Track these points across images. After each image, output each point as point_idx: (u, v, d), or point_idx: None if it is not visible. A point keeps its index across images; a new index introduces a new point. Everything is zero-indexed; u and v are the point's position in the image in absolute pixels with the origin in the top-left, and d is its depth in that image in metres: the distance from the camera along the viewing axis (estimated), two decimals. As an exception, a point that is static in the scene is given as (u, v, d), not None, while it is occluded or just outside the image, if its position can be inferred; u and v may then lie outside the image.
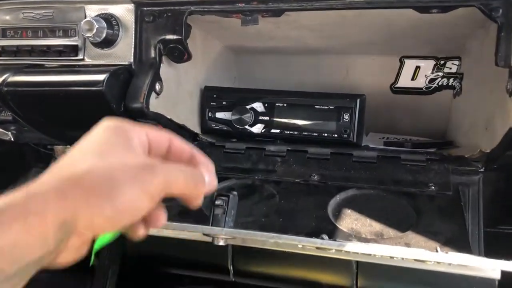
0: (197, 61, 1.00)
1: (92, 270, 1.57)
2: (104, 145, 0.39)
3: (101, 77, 0.80)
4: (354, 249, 0.64)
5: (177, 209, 0.84)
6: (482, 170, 0.86)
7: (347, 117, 0.92)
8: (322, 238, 0.68)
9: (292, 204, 0.83)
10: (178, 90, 0.94)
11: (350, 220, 0.78)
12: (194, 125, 1.00)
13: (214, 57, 1.09)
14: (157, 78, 0.86)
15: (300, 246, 0.66)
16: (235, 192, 0.75)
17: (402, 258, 0.64)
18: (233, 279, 0.80)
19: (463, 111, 1.03)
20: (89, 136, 0.40)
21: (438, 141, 1.04)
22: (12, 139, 1.10)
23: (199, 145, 1.01)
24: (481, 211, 0.82)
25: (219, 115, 0.98)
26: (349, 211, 0.80)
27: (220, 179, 0.93)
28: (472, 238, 0.80)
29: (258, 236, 0.68)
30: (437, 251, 0.64)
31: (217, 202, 0.72)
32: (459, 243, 0.70)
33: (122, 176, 0.37)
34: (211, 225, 0.72)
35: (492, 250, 0.75)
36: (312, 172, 0.92)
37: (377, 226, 0.76)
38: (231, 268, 0.79)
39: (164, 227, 0.73)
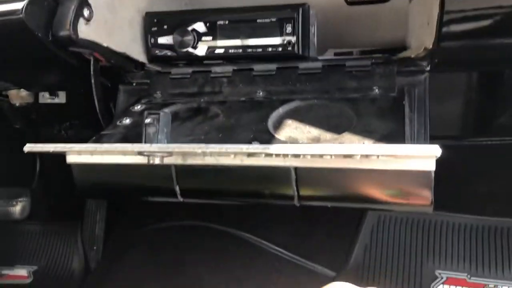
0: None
1: (81, 217, 1.61)
2: None
3: (19, 4, 0.76)
4: (280, 150, 0.63)
5: (118, 136, 0.83)
6: (428, 69, 0.83)
7: (290, 29, 0.88)
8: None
9: (233, 120, 0.81)
10: (114, 17, 0.90)
11: (289, 130, 0.76)
12: (138, 54, 0.97)
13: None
14: (84, 3, 0.83)
15: (229, 153, 0.66)
16: (166, 110, 0.73)
17: (331, 156, 0.63)
18: (181, 200, 0.80)
19: (417, 13, 0.98)
20: None
21: (388, 48, 1.00)
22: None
23: (145, 75, 0.99)
24: (427, 111, 0.80)
25: (161, 40, 0.94)
26: (290, 121, 0.79)
27: (166, 106, 0.91)
28: (418, 139, 0.78)
29: (185, 148, 0.67)
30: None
31: (147, 121, 0.71)
32: (394, 139, 0.68)
33: None
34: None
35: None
36: (257, 89, 0.89)
37: (315, 132, 0.74)
38: (177, 188, 0.79)
39: (100, 149, 0.73)
